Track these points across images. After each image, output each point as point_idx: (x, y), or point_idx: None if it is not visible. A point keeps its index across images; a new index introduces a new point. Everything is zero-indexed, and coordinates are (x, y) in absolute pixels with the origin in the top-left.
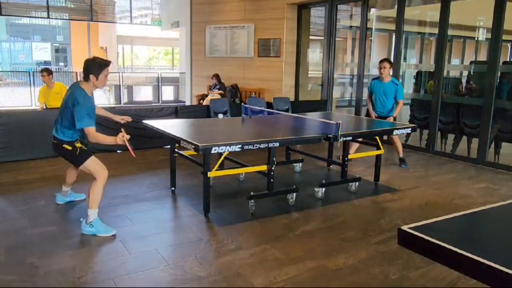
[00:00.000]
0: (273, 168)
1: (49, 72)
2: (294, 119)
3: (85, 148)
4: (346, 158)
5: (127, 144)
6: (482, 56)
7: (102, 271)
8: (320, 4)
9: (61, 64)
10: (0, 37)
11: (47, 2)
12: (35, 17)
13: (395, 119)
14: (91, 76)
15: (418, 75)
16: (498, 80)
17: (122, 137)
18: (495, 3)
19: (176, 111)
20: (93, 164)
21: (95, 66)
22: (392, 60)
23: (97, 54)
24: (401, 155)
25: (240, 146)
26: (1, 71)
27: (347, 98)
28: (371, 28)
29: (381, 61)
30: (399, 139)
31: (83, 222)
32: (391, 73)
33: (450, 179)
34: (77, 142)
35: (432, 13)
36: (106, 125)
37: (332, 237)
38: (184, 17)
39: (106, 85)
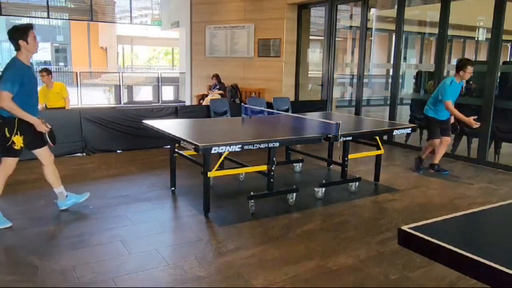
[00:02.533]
0: (273, 168)
1: (48, 72)
2: (294, 119)
3: (18, 149)
4: (346, 158)
5: (46, 136)
6: (482, 56)
7: (102, 271)
8: (320, 4)
9: (61, 64)
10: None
11: (47, 2)
12: (35, 17)
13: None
14: (21, 42)
15: (418, 75)
16: (498, 80)
17: (44, 125)
18: (495, 3)
19: (176, 111)
20: (10, 162)
21: (20, 32)
22: (392, 60)
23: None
24: (436, 161)
25: (240, 146)
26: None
27: (347, 98)
28: (371, 28)
29: (473, 64)
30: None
31: None
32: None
33: (450, 179)
34: (17, 135)
35: (432, 13)
36: (106, 125)
37: (332, 237)
38: (184, 17)
39: (37, 48)
